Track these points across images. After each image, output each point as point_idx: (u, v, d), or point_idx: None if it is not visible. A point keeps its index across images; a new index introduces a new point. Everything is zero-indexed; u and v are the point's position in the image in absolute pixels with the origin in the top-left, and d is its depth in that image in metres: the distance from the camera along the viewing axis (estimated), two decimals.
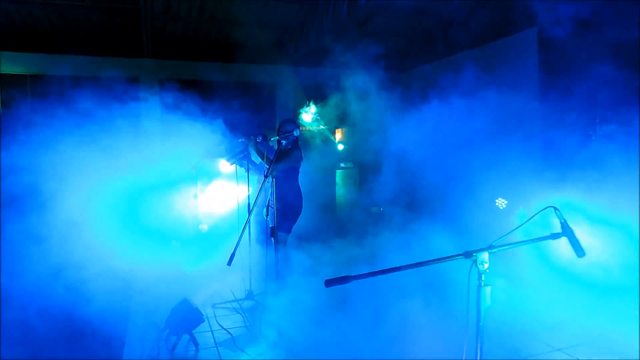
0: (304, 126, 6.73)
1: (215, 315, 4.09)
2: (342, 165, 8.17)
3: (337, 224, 7.13)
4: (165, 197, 5.29)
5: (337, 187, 8.37)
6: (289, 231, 4.50)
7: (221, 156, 5.85)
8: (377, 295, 3.98)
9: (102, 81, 7.42)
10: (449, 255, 1.77)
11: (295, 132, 4.32)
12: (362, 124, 5.65)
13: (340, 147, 7.78)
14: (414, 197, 6.05)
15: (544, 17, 5.78)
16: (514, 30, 6.60)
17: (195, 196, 5.44)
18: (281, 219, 4.35)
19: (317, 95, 6.78)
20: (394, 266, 1.78)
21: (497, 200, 4.98)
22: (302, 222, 4.69)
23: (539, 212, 1.74)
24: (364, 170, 7.98)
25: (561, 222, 1.73)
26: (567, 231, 1.74)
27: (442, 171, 5.04)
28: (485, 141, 4.67)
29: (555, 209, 1.72)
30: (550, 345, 3.47)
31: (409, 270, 1.78)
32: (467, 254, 1.76)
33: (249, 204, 4.43)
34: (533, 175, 4.47)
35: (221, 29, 8.05)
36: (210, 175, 6.03)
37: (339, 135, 7.90)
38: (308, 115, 6.67)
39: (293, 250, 4.64)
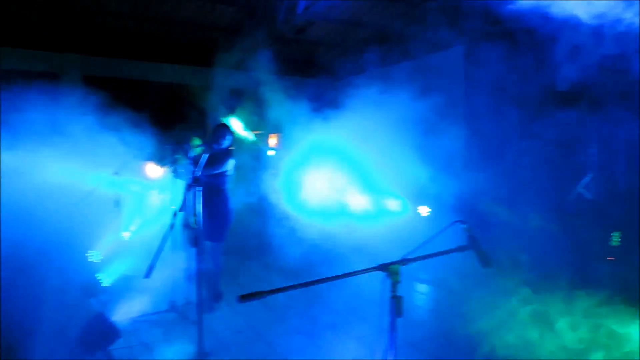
0: (236, 131, 6.60)
1: (134, 329, 3.86)
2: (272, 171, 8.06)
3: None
4: (83, 203, 4.94)
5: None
6: (221, 240, 4.36)
7: (147, 160, 5.58)
8: (301, 303, 3.97)
9: (18, 74, 6.83)
10: (364, 268, 1.79)
11: (227, 138, 4.24)
12: (294, 131, 5.65)
13: (271, 152, 7.70)
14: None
15: (470, 36, 6.16)
16: (443, 47, 6.93)
17: (117, 203, 5.13)
18: (211, 227, 4.21)
19: (250, 100, 6.70)
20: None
21: (419, 208, 5.16)
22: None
23: (447, 226, 1.81)
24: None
25: (467, 236, 1.81)
26: (473, 244, 1.83)
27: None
28: (410, 150, 4.85)
29: (462, 222, 1.80)
30: None
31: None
32: (382, 267, 1.80)
33: (175, 211, 4.24)
34: (454, 182, 4.71)
35: (154, 26, 7.72)
36: (135, 180, 5.72)
37: (273, 140, 7.81)
38: (238, 121, 6.55)
39: (226, 260, 4.52)
